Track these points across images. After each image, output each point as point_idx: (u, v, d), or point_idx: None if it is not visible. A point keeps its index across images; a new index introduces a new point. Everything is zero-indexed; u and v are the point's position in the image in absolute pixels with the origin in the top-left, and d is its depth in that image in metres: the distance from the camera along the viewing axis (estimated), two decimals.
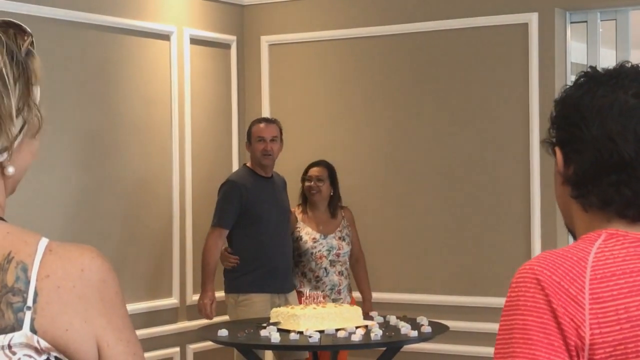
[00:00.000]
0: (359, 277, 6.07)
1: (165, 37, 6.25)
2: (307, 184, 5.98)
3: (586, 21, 6.12)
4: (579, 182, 1.66)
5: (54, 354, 1.51)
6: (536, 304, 1.53)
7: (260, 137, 5.81)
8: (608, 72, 1.68)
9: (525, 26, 6.02)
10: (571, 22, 6.12)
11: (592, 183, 1.64)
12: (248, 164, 5.93)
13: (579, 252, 1.59)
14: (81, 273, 1.55)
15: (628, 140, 1.61)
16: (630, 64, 1.69)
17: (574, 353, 1.51)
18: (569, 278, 1.54)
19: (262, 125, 5.88)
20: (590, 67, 1.72)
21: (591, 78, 1.68)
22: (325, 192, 5.98)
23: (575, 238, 1.69)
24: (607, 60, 6.19)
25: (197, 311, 6.31)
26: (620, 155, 1.61)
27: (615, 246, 1.59)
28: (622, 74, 1.67)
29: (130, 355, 1.57)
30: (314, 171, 5.99)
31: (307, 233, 5.95)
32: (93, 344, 1.54)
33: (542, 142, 1.73)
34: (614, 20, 6.13)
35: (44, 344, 1.51)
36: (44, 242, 1.55)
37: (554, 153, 1.70)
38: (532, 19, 5.99)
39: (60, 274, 1.54)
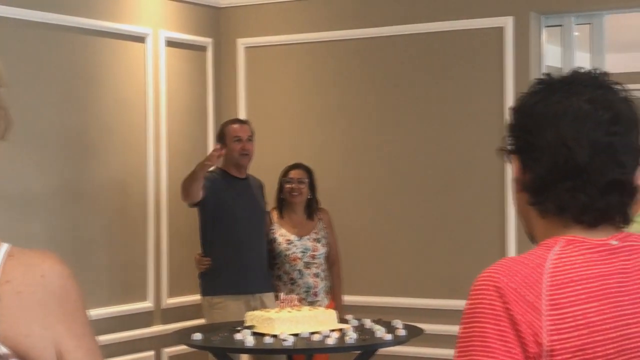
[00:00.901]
0: (332, 282, 6.06)
1: (141, 39, 6.23)
2: (288, 185, 5.98)
3: (561, 25, 6.15)
4: (536, 189, 1.66)
5: None
6: (494, 311, 1.53)
7: (237, 137, 5.82)
8: (562, 79, 1.69)
9: (500, 30, 6.03)
10: (546, 26, 6.14)
11: (549, 189, 1.65)
12: (221, 166, 5.92)
13: (536, 258, 1.59)
14: (41, 279, 1.54)
15: (582, 146, 1.62)
16: (584, 70, 1.70)
17: None
18: (527, 285, 1.55)
19: (236, 125, 5.89)
20: (545, 73, 1.73)
21: (546, 85, 1.69)
22: (305, 194, 5.99)
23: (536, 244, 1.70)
24: (582, 63, 6.22)
25: (172, 315, 6.30)
26: (575, 160, 1.62)
27: (573, 252, 1.60)
28: (576, 80, 1.67)
29: None
30: (295, 173, 5.99)
31: (281, 235, 5.94)
32: (53, 351, 1.53)
33: (499, 150, 1.73)
34: (589, 24, 6.16)
35: (3, 350, 1.49)
36: (4, 247, 1.53)
37: (511, 160, 1.70)
38: (508, 23, 6.01)
39: (21, 280, 1.52)
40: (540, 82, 1.70)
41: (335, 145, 6.52)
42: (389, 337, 5.05)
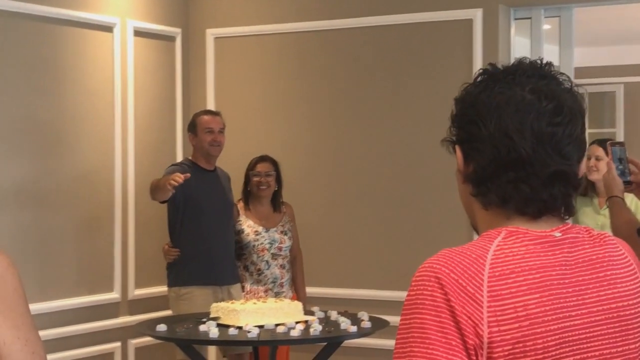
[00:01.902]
0: (295, 275, 6.06)
1: (108, 28, 6.18)
2: (255, 179, 5.97)
3: (530, 18, 6.15)
4: (479, 180, 1.64)
5: None
6: (434, 302, 1.51)
7: (209, 129, 5.79)
8: (506, 69, 1.67)
9: (469, 22, 6.03)
10: (515, 19, 6.14)
11: (491, 181, 1.63)
12: (190, 157, 5.90)
13: (478, 249, 1.57)
14: None
15: (525, 137, 1.60)
16: (528, 60, 1.68)
17: (472, 352, 1.49)
18: (467, 276, 1.53)
19: (208, 117, 5.86)
20: (489, 64, 1.71)
21: (489, 75, 1.67)
22: (272, 187, 5.99)
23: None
24: (551, 56, 6.22)
25: (139, 306, 6.28)
26: (517, 151, 1.60)
27: (515, 243, 1.58)
28: (520, 70, 1.66)
29: (29, 355, 1.54)
30: (263, 167, 5.98)
31: (249, 226, 5.94)
32: None
33: (442, 141, 1.72)
34: (558, 17, 6.16)
35: None
36: None
37: (455, 151, 1.69)
38: (477, 15, 6.00)
39: None
40: (483, 72, 1.68)
41: (303, 137, 6.50)
42: (353, 329, 5.03)
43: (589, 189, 6.28)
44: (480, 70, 1.69)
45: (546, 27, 6.26)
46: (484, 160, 1.62)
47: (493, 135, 1.61)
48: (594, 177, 6.06)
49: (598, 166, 5.94)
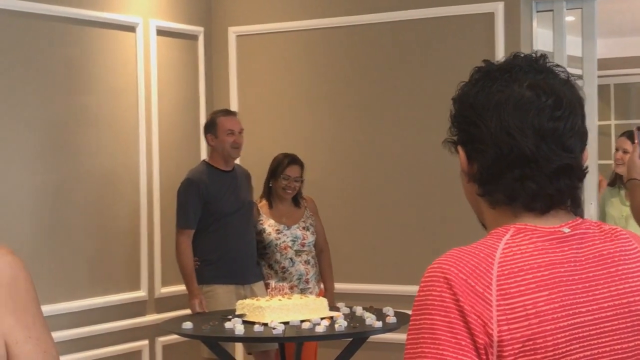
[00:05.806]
0: (322, 269, 6.06)
1: (131, 28, 6.21)
2: (284, 182, 5.94)
3: (552, 10, 6.12)
4: (484, 180, 1.64)
5: None
6: (443, 302, 1.51)
7: (230, 130, 5.78)
8: (501, 66, 1.66)
9: (491, 15, 6.00)
10: (537, 11, 6.11)
11: (497, 180, 1.62)
12: (206, 159, 5.91)
13: (486, 248, 1.57)
14: None
15: (527, 135, 1.59)
16: (523, 55, 1.68)
17: (482, 351, 1.49)
18: (476, 275, 1.52)
19: (229, 118, 5.85)
20: (484, 60, 1.71)
21: (485, 73, 1.66)
22: (297, 190, 5.99)
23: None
24: (573, 48, 6.19)
25: (166, 304, 6.32)
26: (521, 150, 1.59)
27: (523, 241, 1.58)
28: (516, 66, 1.65)
29: (40, 354, 1.57)
30: (294, 171, 5.94)
31: (270, 225, 5.94)
32: (2, 342, 1.54)
33: (444, 142, 1.72)
34: (580, 9, 6.13)
35: None
36: None
37: (457, 152, 1.69)
38: (498, 8, 5.98)
39: None
40: (478, 70, 1.68)
41: (325, 134, 6.51)
42: (379, 324, 5.04)
43: (617, 180, 6.27)
44: (476, 69, 1.68)
45: (569, 18, 6.22)
46: (488, 160, 1.62)
47: (494, 134, 1.61)
48: (620, 170, 6.04)
49: (625, 159, 5.92)
